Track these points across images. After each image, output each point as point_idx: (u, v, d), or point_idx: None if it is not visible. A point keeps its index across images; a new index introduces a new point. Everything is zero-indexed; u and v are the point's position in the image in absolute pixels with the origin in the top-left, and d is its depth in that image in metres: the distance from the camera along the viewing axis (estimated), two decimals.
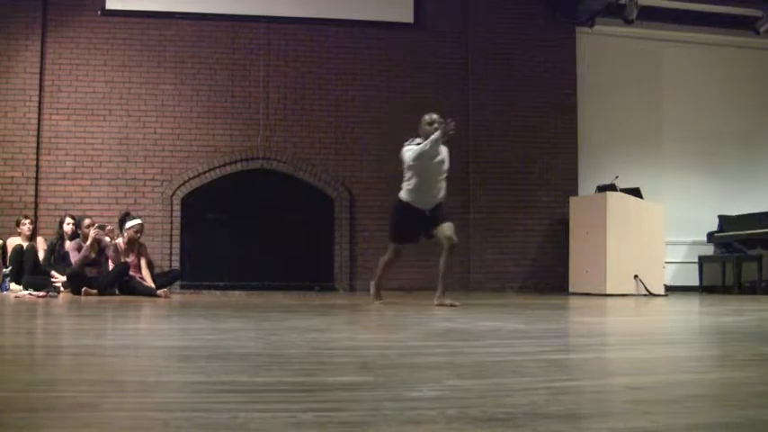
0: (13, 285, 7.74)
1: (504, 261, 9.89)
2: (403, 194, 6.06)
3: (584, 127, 10.25)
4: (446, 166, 6.06)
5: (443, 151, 6.03)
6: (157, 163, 9.42)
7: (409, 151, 5.98)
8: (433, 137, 5.75)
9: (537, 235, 9.99)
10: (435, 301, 5.86)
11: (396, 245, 6.17)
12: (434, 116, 5.97)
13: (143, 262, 7.77)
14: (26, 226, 8.34)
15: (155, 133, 9.45)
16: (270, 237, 9.40)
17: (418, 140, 6.01)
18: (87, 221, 8.07)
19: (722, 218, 10.27)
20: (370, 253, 9.67)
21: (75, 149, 9.27)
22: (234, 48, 9.67)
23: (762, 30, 10.08)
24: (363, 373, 2.16)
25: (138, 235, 7.79)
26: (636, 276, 8.26)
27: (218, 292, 8.59)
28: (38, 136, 9.18)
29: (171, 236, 9.27)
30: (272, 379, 2.07)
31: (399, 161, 6.13)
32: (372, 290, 6.41)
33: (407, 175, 6.03)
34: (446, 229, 5.90)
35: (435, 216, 5.99)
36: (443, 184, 6.06)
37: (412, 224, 6.02)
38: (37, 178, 9.14)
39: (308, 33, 9.83)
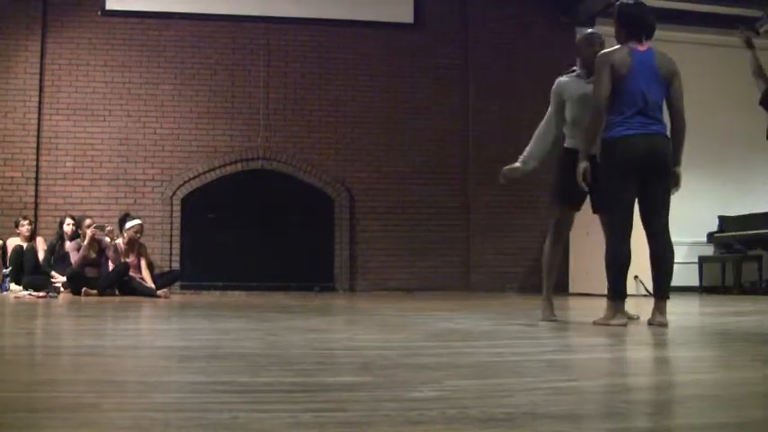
0: (13, 286, 7.74)
1: (504, 261, 9.88)
2: (567, 142, 4.51)
3: None
4: None
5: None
6: (157, 163, 9.41)
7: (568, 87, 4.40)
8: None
9: (537, 235, 9.96)
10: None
11: (558, 209, 4.53)
12: (593, 32, 4.49)
13: (143, 262, 7.78)
14: (25, 227, 8.33)
15: (155, 133, 9.45)
16: (270, 237, 9.40)
17: (574, 69, 4.51)
18: (88, 221, 8.07)
19: (722, 218, 10.27)
20: (370, 253, 9.68)
21: (75, 149, 9.27)
22: (234, 48, 9.67)
23: (762, 30, 10.06)
24: (363, 373, 2.16)
25: (138, 235, 7.80)
26: (636, 277, 8.26)
27: (218, 292, 8.59)
28: (38, 136, 9.18)
29: (171, 236, 9.26)
30: (272, 379, 2.07)
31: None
32: (543, 302, 4.60)
33: (564, 116, 4.47)
34: None
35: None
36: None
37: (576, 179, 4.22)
38: (37, 178, 9.14)
39: (308, 33, 9.82)
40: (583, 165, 4.04)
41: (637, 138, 3.89)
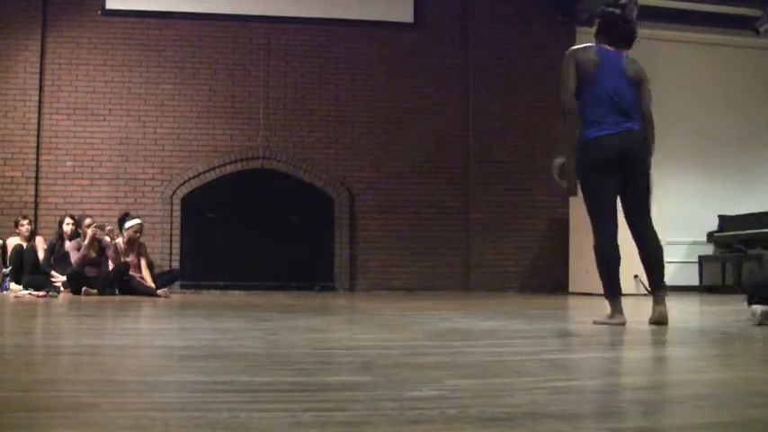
0: (13, 285, 7.74)
1: (504, 261, 9.88)
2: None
3: None
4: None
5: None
6: (157, 163, 9.41)
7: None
8: None
9: (537, 235, 9.98)
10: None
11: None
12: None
13: (143, 262, 7.78)
14: (24, 227, 8.33)
15: (155, 133, 9.45)
16: (270, 237, 9.40)
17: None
18: (88, 221, 8.06)
19: (722, 218, 10.27)
20: (370, 252, 9.68)
21: (76, 149, 9.26)
22: (234, 48, 9.67)
23: (762, 30, 10.07)
24: (363, 372, 2.16)
25: (138, 235, 7.80)
26: (636, 276, 8.26)
27: (218, 292, 8.59)
28: (38, 136, 9.17)
29: (171, 236, 9.26)
30: (271, 378, 2.07)
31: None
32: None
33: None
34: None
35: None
36: None
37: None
38: (37, 178, 9.14)
39: (308, 33, 9.82)
40: (558, 160, 4.12)
41: (610, 138, 3.91)
